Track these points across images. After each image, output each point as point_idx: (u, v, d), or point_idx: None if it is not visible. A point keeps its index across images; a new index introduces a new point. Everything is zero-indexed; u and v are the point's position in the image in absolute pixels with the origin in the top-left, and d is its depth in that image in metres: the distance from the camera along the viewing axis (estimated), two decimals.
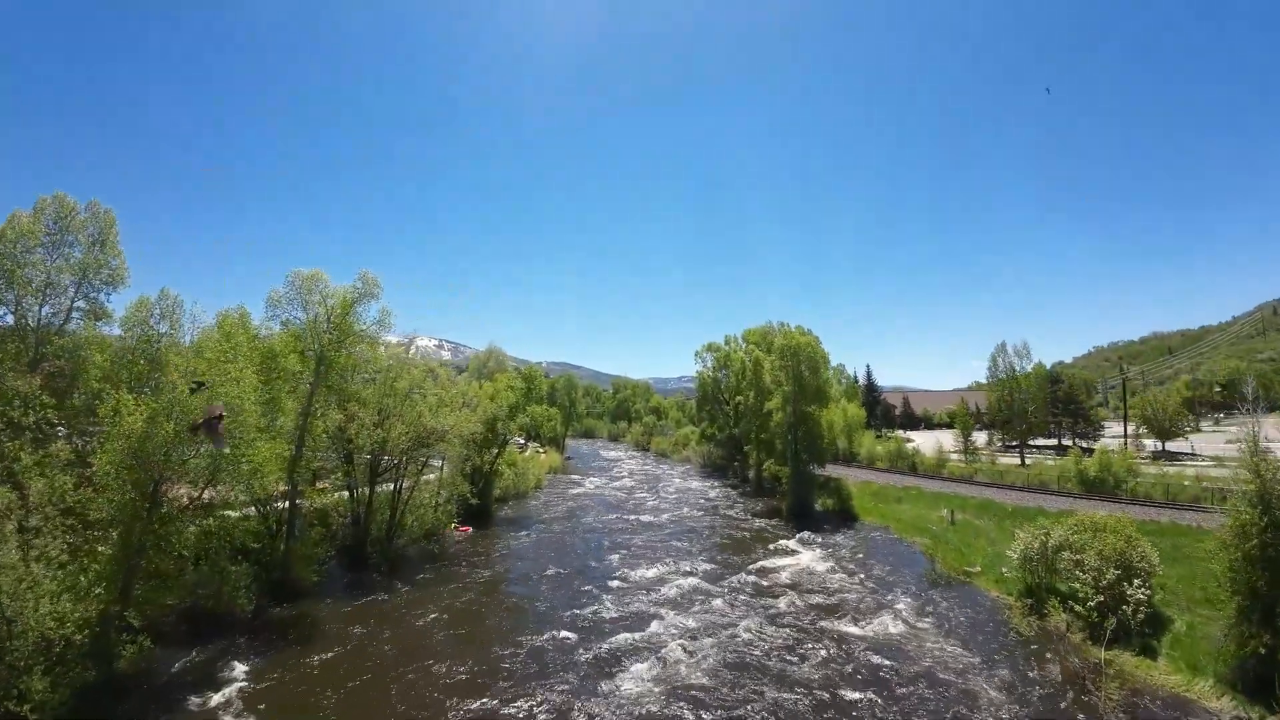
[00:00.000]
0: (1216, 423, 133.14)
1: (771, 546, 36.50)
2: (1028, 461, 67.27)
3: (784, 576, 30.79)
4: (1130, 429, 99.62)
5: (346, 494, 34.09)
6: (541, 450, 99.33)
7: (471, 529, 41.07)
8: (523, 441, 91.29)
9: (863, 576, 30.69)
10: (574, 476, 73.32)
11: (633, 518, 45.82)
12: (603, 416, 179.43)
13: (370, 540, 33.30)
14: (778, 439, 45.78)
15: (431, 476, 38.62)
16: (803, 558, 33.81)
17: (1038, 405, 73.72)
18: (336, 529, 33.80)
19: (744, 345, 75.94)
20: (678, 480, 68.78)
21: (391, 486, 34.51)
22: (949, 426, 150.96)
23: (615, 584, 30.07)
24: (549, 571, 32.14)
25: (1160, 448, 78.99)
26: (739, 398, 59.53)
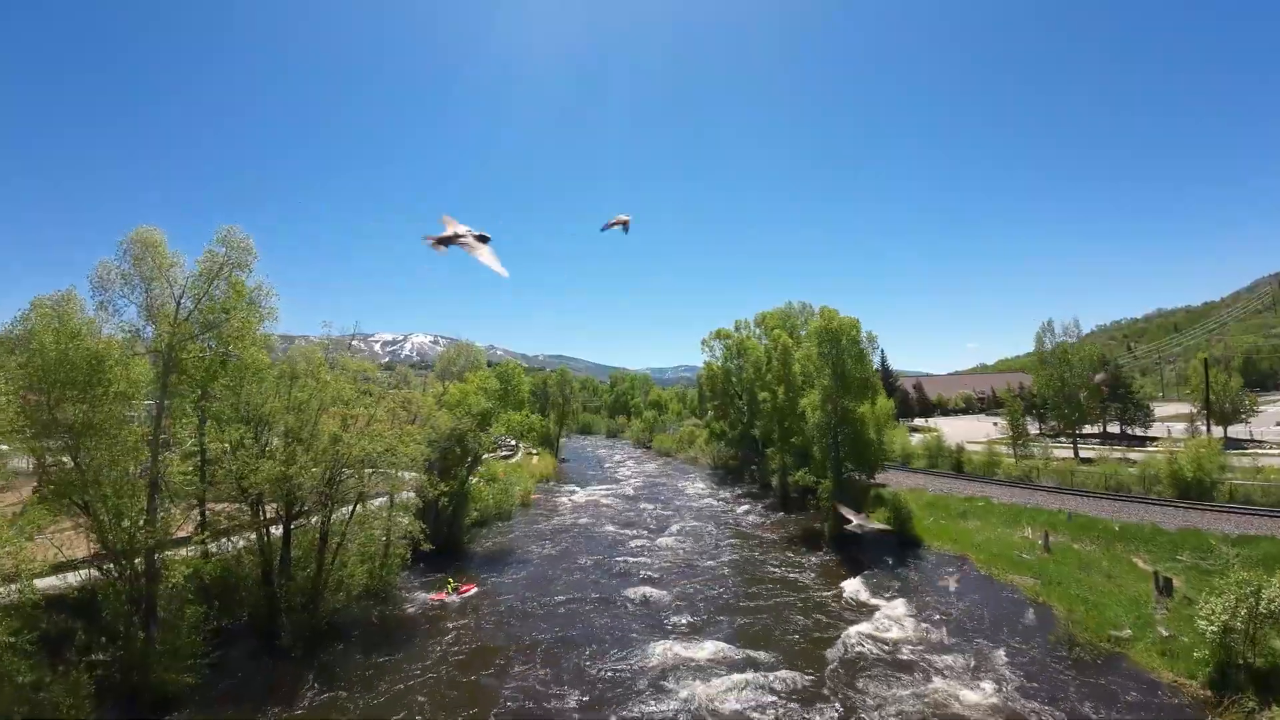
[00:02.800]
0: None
1: (827, 597, 27.52)
2: (1082, 454, 59.07)
3: (862, 655, 21.96)
4: (1170, 410, 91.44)
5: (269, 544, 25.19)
6: (534, 452, 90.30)
7: (475, 587, 30.24)
8: (513, 443, 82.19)
9: (970, 649, 21.89)
10: (569, 487, 64.23)
11: (640, 551, 36.87)
12: (600, 411, 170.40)
13: (286, 608, 24.39)
14: (815, 444, 36.82)
15: (379, 503, 29.51)
16: (876, 616, 24.88)
17: (1091, 390, 65.21)
18: (242, 593, 24.90)
19: (757, 331, 66.98)
20: (688, 489, 59.45)
21: (331, 528, 25.42)
22: (964, 412, 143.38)
23: (618, 682, 21.18)
24: (526, 659, 23.08)
25: (1223, 434, 70.55)
26: (764, 394, 50.46)
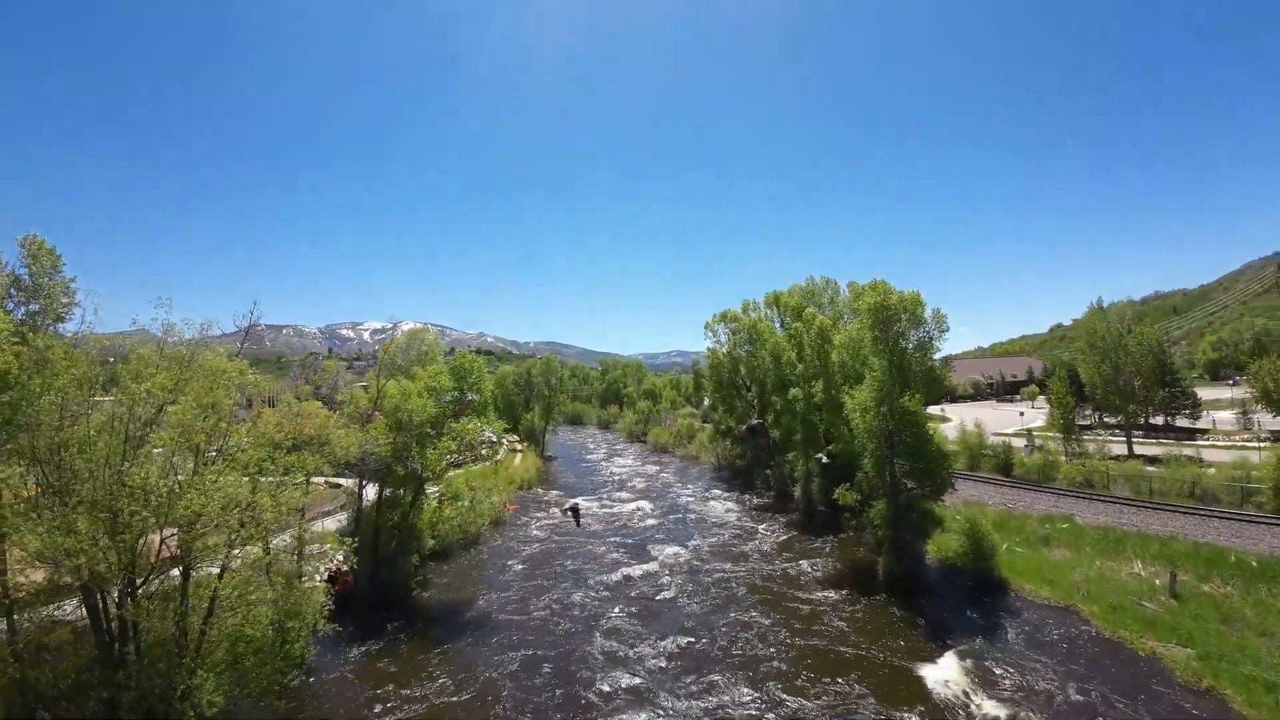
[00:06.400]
0: None
1: (909, 694, 19.58)
2: (1137, 451, 51.83)
3: None
4: (1219, 395, 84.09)
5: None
6: (518, 446, 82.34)
7: None
8: (495, 439, 73.86)
9: None
10: (554, 494, 56.02)
11: (640, 597, 28.71)
12: (591, 400, 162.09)
13: (131, 701, 16.19)
14: (866, 454, 28.75)
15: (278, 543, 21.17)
16: None
17: (1147, 379, 57.67)
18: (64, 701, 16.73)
19: (768, 313, 58.81)
20: (693, 501, 50.39)
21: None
22: (974, 398, 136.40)
23: None
24: None
25: None
26: (793, 391, 42.25)
